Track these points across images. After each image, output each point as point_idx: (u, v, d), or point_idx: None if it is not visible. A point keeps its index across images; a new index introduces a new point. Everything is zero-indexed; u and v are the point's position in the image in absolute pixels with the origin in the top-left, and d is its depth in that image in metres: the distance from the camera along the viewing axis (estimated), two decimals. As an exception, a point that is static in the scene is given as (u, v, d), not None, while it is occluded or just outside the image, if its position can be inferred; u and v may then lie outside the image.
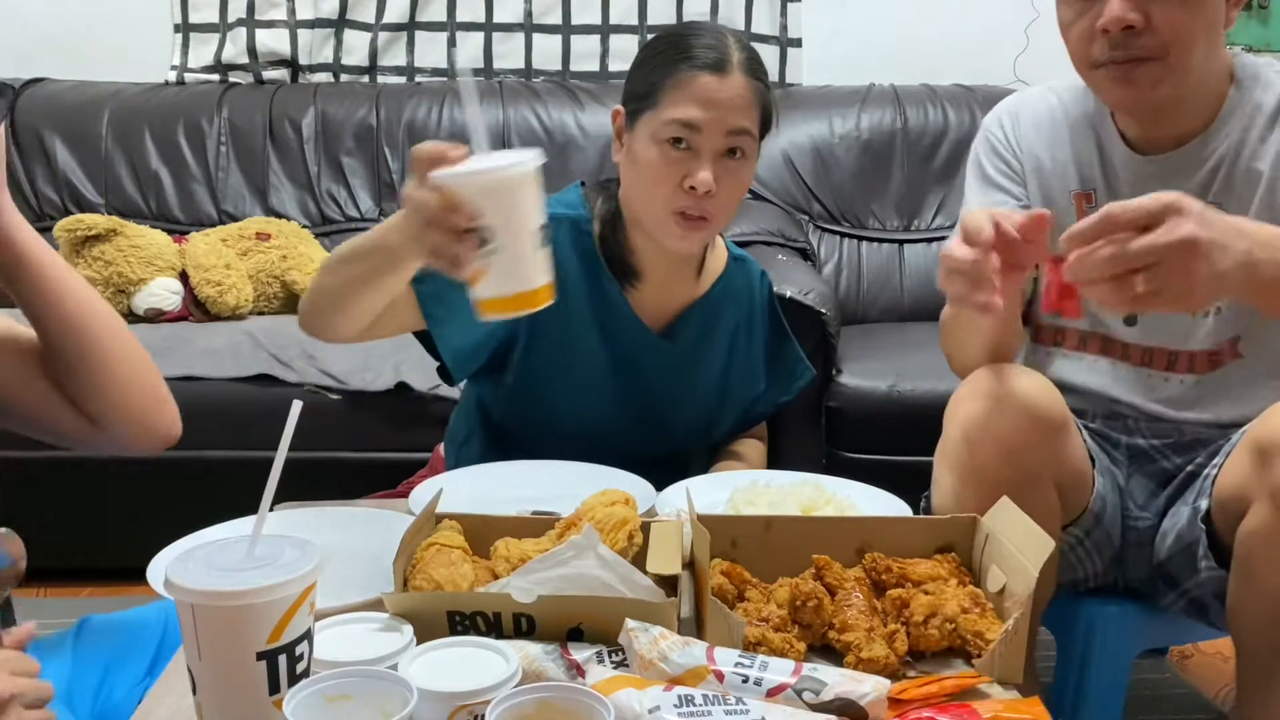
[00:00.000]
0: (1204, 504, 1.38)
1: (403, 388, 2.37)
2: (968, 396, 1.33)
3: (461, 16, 3.30)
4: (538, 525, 1.18)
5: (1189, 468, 1.46)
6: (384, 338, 1.48)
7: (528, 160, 1.05)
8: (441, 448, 1.77)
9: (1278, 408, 1.26)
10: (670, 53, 1.47)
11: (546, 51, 3.32)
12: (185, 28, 3.27)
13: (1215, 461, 1.41)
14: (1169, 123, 1.40)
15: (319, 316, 1.39)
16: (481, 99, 0.98)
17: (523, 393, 1.58)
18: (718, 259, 1.66)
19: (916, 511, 1.42)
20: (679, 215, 1.47)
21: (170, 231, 2.84)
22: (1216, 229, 1.07)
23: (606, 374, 1.59)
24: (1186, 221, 1.05)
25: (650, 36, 1.57)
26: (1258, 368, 1.42)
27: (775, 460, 1.79)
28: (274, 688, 0.81)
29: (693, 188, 1.44)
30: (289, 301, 2.78)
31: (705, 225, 1.49)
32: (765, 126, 1.51)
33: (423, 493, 1.38)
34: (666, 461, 1.60)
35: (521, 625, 1.01)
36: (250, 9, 3.24)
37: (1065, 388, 1.40)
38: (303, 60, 3.26)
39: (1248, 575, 1.30)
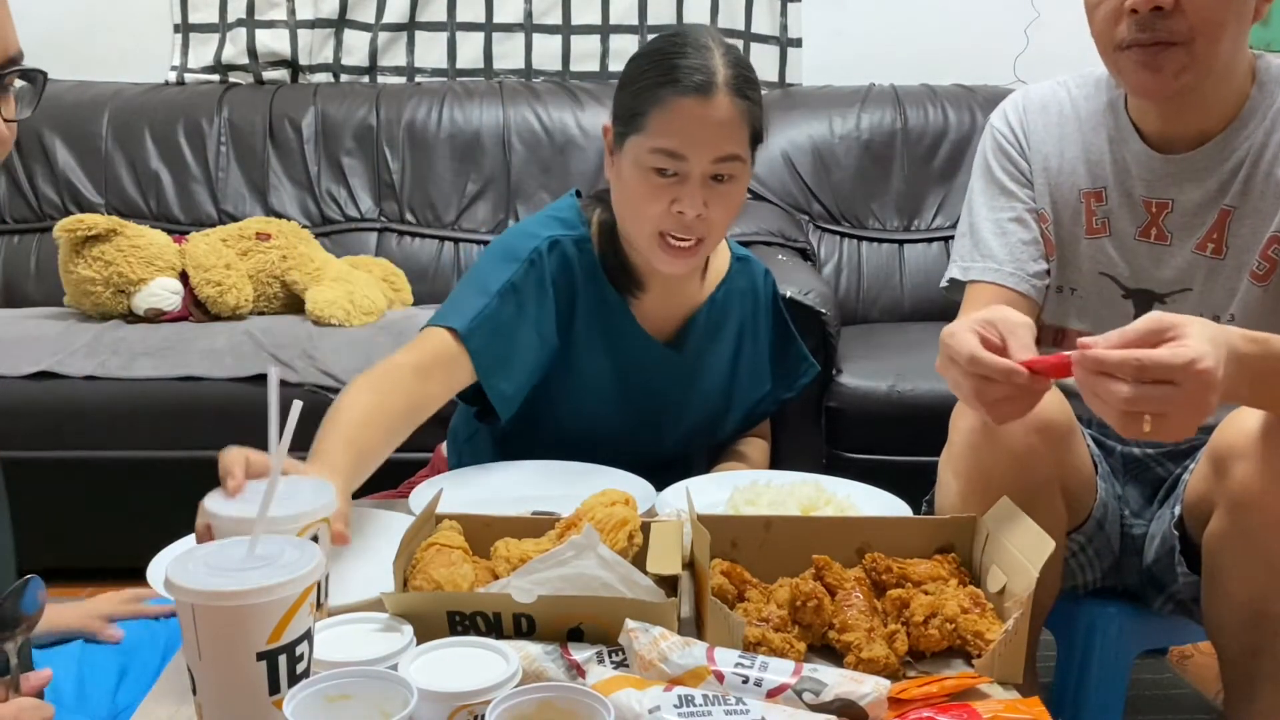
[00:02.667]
0: (1176, 510, 1.38)
1: (403, 388, 2.37)
2: None
3: (461, 16, 3.30)
4: (538, 525, 1.18)
5: (1178, 472, 1.46)
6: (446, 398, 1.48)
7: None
8: (443, 447, 1.78)
9: (1234, 416, 1.25)
10: (654, 73, 1.42)
11: (546, 51, 3.32)
12: (185, 28, 3.27)
13: (1188, 466, 1.41)
14: (1189, 118, 1.38)
15: None
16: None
17: (530, 404, 1.55)
18: (721, 261, 1.65)
19: (917, 512, 1.42)
20: (665, 240, 1.44)
21: (170, 231, 2.84)
22: (1229, 389, 1.05)
23: (611, 385, 1.58)
24: (1208, 392, 1.01)
25: (644, 43, 1.53)
26: None
27: (775, 460, 1.79)
28: (274, 688, 0.81)
29: (681, 213, 1.41)
30: (289, 301, 2.78)
31: (696, 250, 1.46)
32: (756, 140, 1.47)
33: (423, 493, 1.38)
34: (668, 463, 1.60)
35: (521, 625, 1.01)
36: (250, 9, 3.24)
37: (1064, 391, 1.40)
38: (303, 60, 3.26)
39: (1215, 581, 1.30)
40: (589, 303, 1.55)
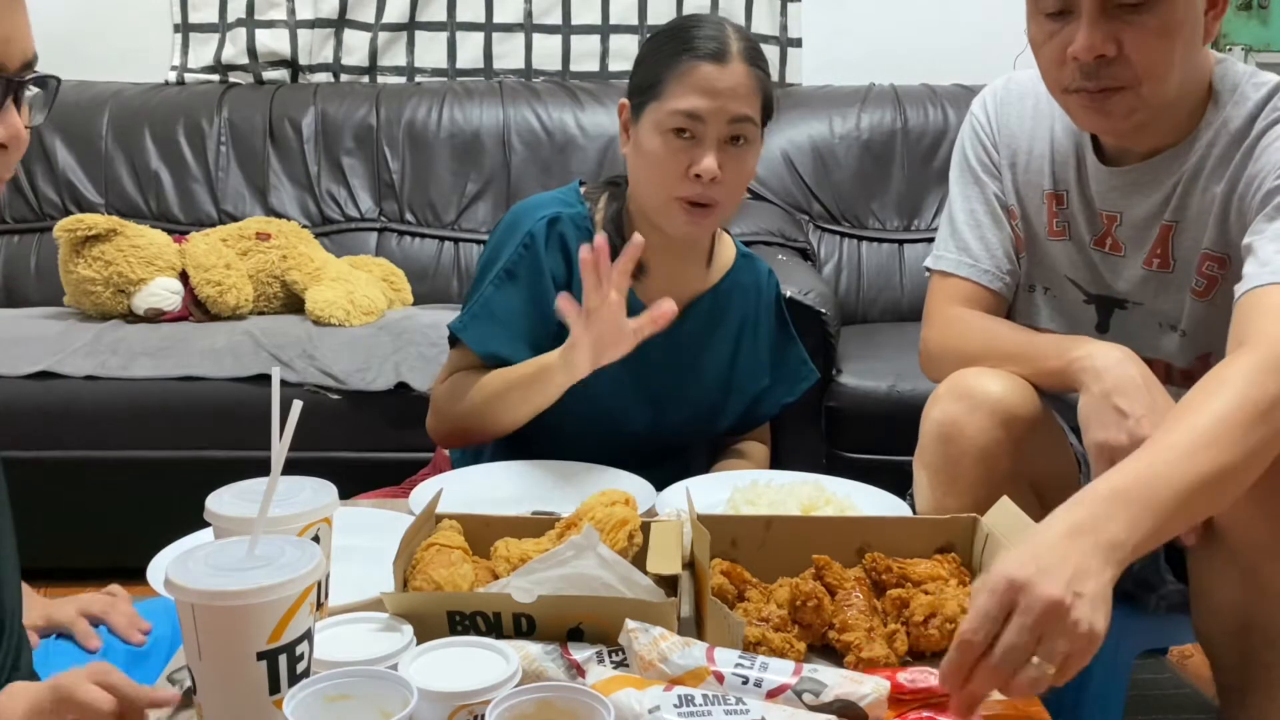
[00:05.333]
0: None
1: (403, 388, 2.37)
2: (943, 396, 1.34)
3: (461, 16, 3.29)
4: (538, 525, 1.18)
5: None
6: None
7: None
8: (444, 446, 1.78)
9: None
10: (672, 45, 1.50)
11: (546, 51, 3.32)
12: (185, 28, 3.27)
13: None
14: (1142, 138, 1.36)
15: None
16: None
17: None
18: (726, 252, 1.68)
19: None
20: (685, 202, 1.49)
21: (170, 231, 2.84)
22: (1063, 571, 0.92)
23: (615, 363, 1.59)
24: (1032, 589, 0.90)
25: (644, 42, 1.59)
26: None
27: (775, 460, 1.80)
28: (274, 688, 0.82)
29: (698, 175, 1.46)
30: (289, 301, 2.78)
31: (712, 212, 1.51)
32: (767, 113, 1.53)
33: (423, 493, 1.38)
34: (667, 458, 1.60)
35: (521, 625, 1.01)
36: (250, 9, 3.24)
37: (1057, 398, 1.40)
38: (303, 60, 3.26)
39: (1201, 595, 1.30)
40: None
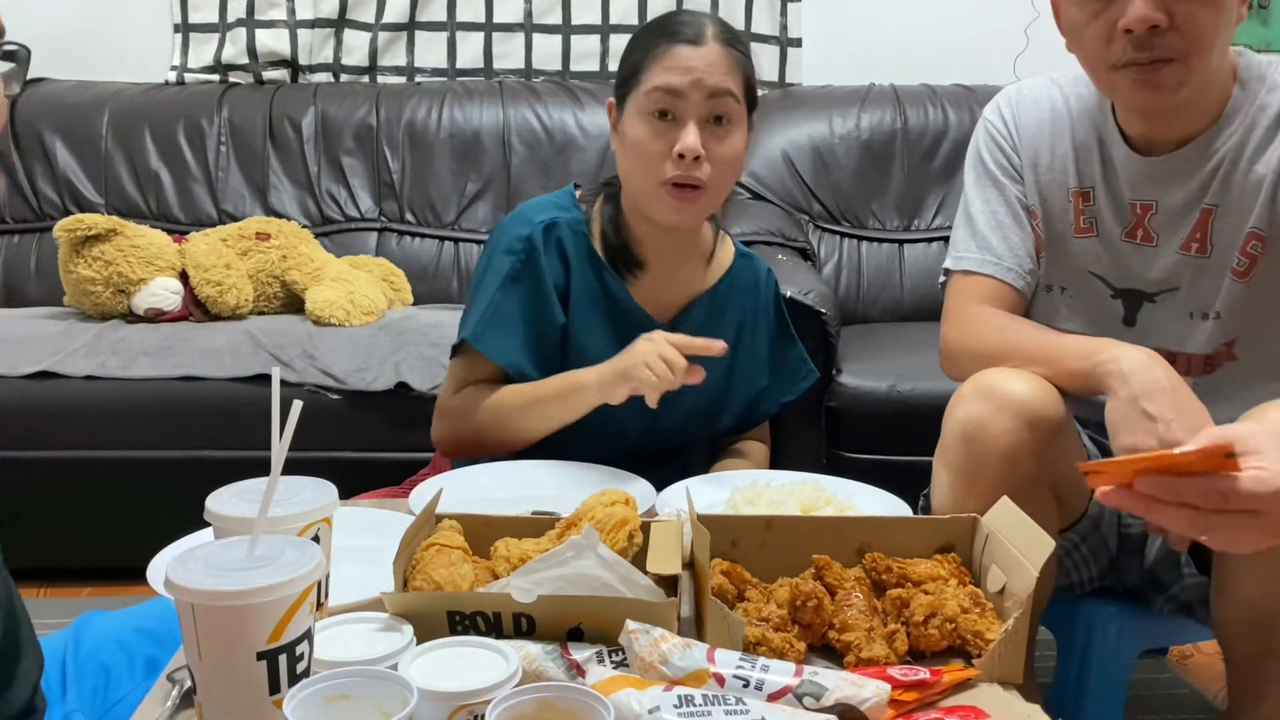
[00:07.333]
0: None
1: (403, 388, 2.37)
2: (967, 396, 1.33)
3: (461, 16, 3.30)
4: (538, 525, 1.18)
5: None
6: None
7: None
8: (444, 446, 1.77)
9: (1243, 419, 1.24)
10: (650, 34, 1.53)
11: (546, 51, 3.33)
12: (185, 28, 3.27)
13: None
14: (1174, 124, 1.39)
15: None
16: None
17: None
18: (725, 253, 1.69)
19: (916, 511, 1.42)
20: (671, 186, 1.49)
21: (170, 231, 2.84)
22: None
23: None
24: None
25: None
26: (1251, 370, 1.41)
27: (775, 460, 1.80)
28: (274, 688, 0.81)
29: (681, 155, 1.47)
30: (289, 301, 2.78)
31: (699, 195, 1.50)
32: (751, 97, 1.54)
33: (423, 493, 1.38)
34: (667, 458, 1.60)
35: (521, 625, 1.01)
36: (250, 9, 3.24)
37: (1062, 392, 1.40)
38: (303, 60, 3.26)
39: (1224, 583, 1.30)
40: (586, 283, 1.59)
